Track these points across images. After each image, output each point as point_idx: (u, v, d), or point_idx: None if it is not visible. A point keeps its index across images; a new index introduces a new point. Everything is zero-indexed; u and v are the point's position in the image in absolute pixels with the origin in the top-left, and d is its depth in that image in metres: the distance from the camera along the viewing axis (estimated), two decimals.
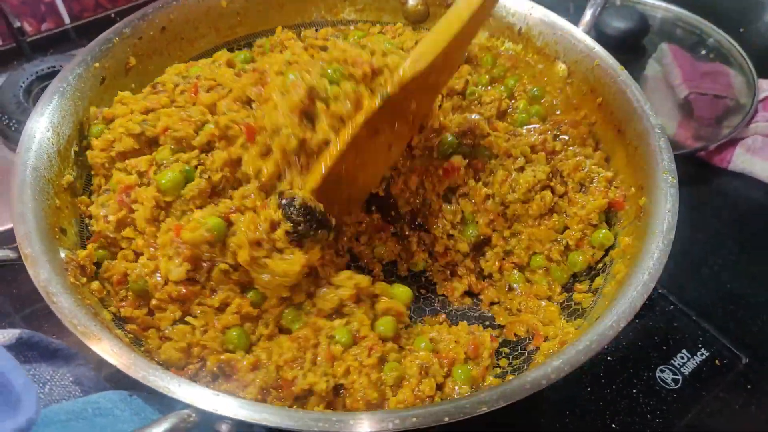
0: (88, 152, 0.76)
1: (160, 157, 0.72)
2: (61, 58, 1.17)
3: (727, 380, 0.85)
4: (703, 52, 1.43)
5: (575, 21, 0.90)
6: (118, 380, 0.61)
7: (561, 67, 0.88)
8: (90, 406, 0.53)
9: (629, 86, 0.79)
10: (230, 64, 0.87)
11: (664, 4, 1.51)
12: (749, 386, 0.85)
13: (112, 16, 1.34)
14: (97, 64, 0.81)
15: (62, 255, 0.66)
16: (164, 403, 0.56)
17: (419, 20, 0.99)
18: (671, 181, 0.69)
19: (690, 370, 0.85)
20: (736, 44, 1.40)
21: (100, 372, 0.66)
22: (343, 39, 0.94)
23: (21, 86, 1.08)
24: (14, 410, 0.37)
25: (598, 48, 0.84)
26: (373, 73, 0.68)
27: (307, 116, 0.66)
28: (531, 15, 0.91)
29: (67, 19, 1.32)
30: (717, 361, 0.86)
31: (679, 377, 0.84)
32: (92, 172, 0.77)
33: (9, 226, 0.93)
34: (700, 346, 0.88)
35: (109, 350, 0.55)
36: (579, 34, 0.86)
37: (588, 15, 0.86)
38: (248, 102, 0.73)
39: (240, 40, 0.97)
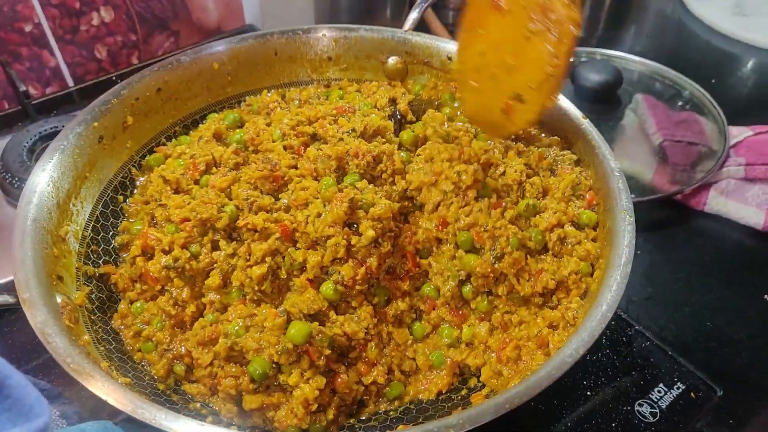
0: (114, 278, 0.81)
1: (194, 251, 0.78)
2: (64, 118, 1.22)
3: (704, 412, 0.87)
4: (679, 102, 1.50)
5: None
6: (110, 416, 0.64)
7: None
8: None
9: (590, 132, 0.85)
10: (217, 136, 0.94)
11: (640, 59, 1.59)
12: (725, 416, 0.87)
13: (114, 78, 1.42)
14: (96, 124, 0.87)
15: (58, 300, 0.70)
16: None
17: (398, 77, 1.06)
18: (629, 219, 0.74)
19: (667, 403, 0.87)
20: (707, 95, 1.47)
21: (82, 409, 0.69)
22: (324, 99, 1.01)
23: (25, 146, 1.14)
24: (29, 419, 0.41)
25: (565, 101, 0.91)
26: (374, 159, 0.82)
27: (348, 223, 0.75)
28: None
29: (70, 82, 1.40)
30: (693, 394, 0.88)
31: (657, 410, 0.86)
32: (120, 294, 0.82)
33: (8, 278, 0.98)
34: (676, 380, 0.90)
35: (101, 386, 0.58)
36: None
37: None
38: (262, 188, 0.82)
39: (231, 99, 1.03)
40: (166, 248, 0.77)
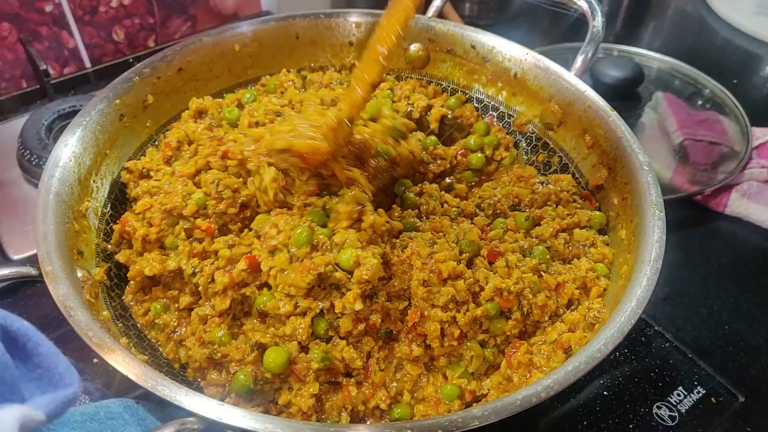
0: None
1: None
2: (81, 98, 1.23)
3: (724, 418, 0.85)
4: (699, 101, 1.48)
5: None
6: (124, 392, 0.63)
7: (555, 107, 0.93)
8: (102, 410, 0.56)
9: (619, 126, 0.83)
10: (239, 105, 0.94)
11: (660, 56, 1.57)
12: (745, 424, 0.85)
13: (130, 60, 1.42)
14: (117, 101, 0.86)
15: (79, 274, 0.69)
16: (167, 413, 0.58)
17: (420, 66, 1.05)
18: (658, 214, 0.72)
19: (687, 407, 0.85)
20: (730, 94, 1.45)
21: (104, 386, 0.68)
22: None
23: (43, 124, 1.14)
24: (59, 388, 0.40)
25: (590, 91, 0.89)
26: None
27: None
28: (525, 60, 0.96)
29: (87, 63, 1.40)
30: (713, 399, 0.86)
31: (676, 414, 0.84)
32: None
33: (27, 253, 0.97)
34: (696, 383, 0.88)
35: (122, 361, 0.58)
36: (570, 77, 0.91)
37: (579, 60, 0.90)
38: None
39: (251, 81, 1.02)
40: (139, 238, 0.76)
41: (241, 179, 0.79)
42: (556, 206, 0.85)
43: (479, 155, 0.95)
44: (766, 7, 1.82)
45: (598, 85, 1.37)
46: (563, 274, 0.74)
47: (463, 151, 0.95)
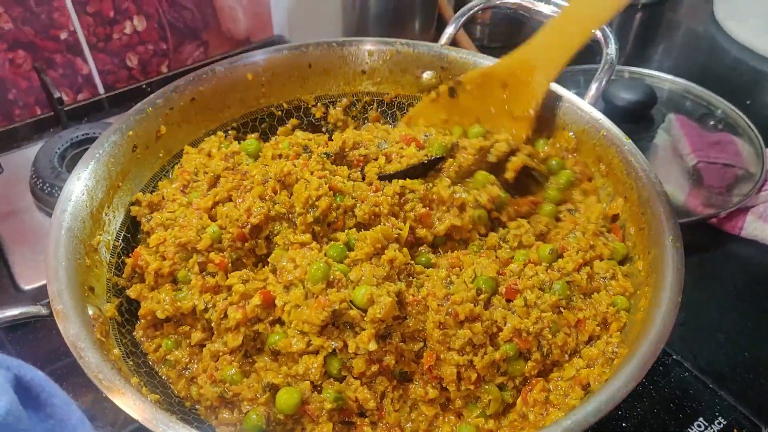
0: None
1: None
2: (95, 125, 1.23)
3: None
4: (711, 122, 1.47)
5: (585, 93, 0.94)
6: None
7: (570, 135, 0.92)
8: None
9: (634, 155, 0.82)
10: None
11: (671, 77, 1.56)
12: None
13: (144, 86, 1.42)
14: (131, 132, 0.86)
15: (90, 311, 0.69)
16: None
17: None
18: (677, 246, 0.71)
19: None
20: (743, 115, 1.44)
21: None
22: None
23: (56, 152, 1.14)
24: None
25: (604, 119, 0.88)
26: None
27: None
28: None
29: (101, 89, 1.41)
30: (735, 431, 0.85)
31: None
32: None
33: (38, 284, 0.97)
34: (717, 414, 0.86)
35: (131, 404, 0.57)
36: (585, 105, 0.90)
37: (593, 88, 0.90)
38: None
39: (263, 110, 1.02)
40: (152, 273, 0.75)
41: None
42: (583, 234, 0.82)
43: (550, 208, 0.89)
44: None
45: (610, 108, 1.37)
46: (584, 309, 0.73)
47: (533, 199, 0.90)
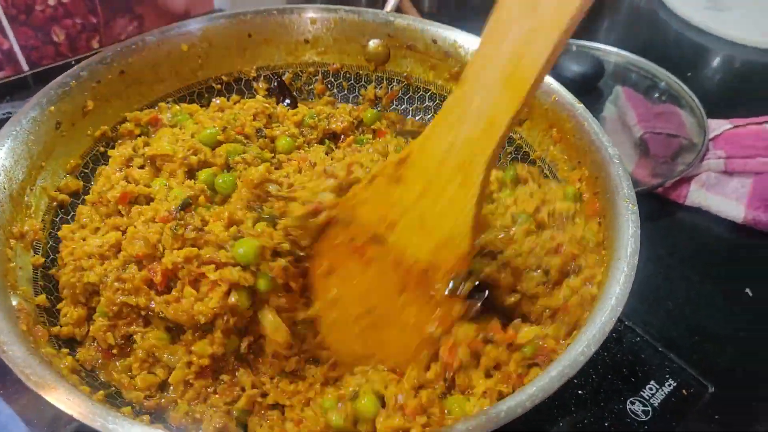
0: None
1: None
2: (18, 104, 1.15)
3: (696, 410, 0.85)
4: (656, 94, 1.49)
5: None
6: None
7: None
8: None
9: (586, 119, 0.81)
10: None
11: (616, 50, 1.57)
12: (716, 416, 0.85)
13: (72, 63, 1.33)
14: (52, 108, 0.80)
15: (14, 302, 0.63)
16: None
17: (380, 61, 1.01)
18: (632, 207, 0.70)
19: (659, 400, 0.84)
20: (685, 87, 1.46)
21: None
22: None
23: None
24: None
25: (555, 83, 0.87)
26: None
27: None
28: None
29: (25, 67, 1.31)
30: (684, 391, 0.86)
31: (649, 408, 0.84)
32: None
33: None
34: (667, 376, 0.87)
35: (65, 400, 0.52)
36: None
37: None
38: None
39: (201, 84, 0.97)
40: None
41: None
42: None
43: None
44: (716, 1, 1.86)
45: (559, 80, 1.36)
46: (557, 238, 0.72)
47: None
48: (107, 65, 0.86)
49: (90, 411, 0.52)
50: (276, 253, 0.65)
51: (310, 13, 0.98)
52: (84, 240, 0.71)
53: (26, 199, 0.74)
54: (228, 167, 0.80)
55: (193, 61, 0.95)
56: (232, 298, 0.62)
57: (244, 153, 0.81)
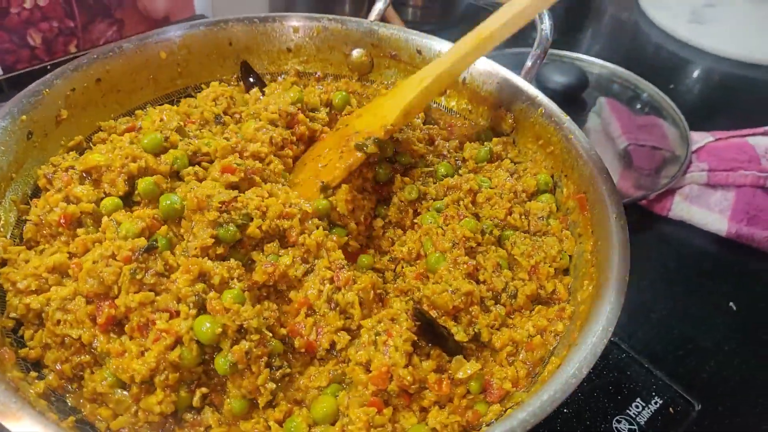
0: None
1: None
2: None
3: (682, 429, 0.84)
4: (638, 105, 1.50)
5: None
6: None
7: (505, 113, 0.90)
8: None
9: (574, 132, 0.80)
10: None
11: (600, 62, 1.58)
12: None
13: (49, 68, 1.30)
14: (24, 117, 0.77)
15: None
16: None
17: (364, 71, 1.00)
18: (621, 223, 0.69)
19: (645, 419, 0.84)
20: (668, 99, 1.47)
21: None
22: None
23: None
24: None
25: (541, 96, 0.86)
26: None
27: None
28: (475, 65, 0.92)
29: None
30: (671, 409, 0.85)
31: (635, 427, 0.83)
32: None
33: None
34: (653, 394, 0.87)
35: (30, 430, 0.50)
36: (521, 82, 0.88)
37: (529, 63, 0.88)
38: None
39: (180, 92, 0.94)
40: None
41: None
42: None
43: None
44: (698, 14, 1.87)
45: (543, 92, 1.36)
46: (534, 256, 0.74)
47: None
48: (83, 72, 0.83)
49: None
50: (242, 330, 0.61)
51: (293, 21, 0.96)
52: (26, 262, 0.67)
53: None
54: (176, 174, 0.76)
55: (172, 69, 0.93)
56: (175, 354, 0.59)
57: (193, 148, 0.77)
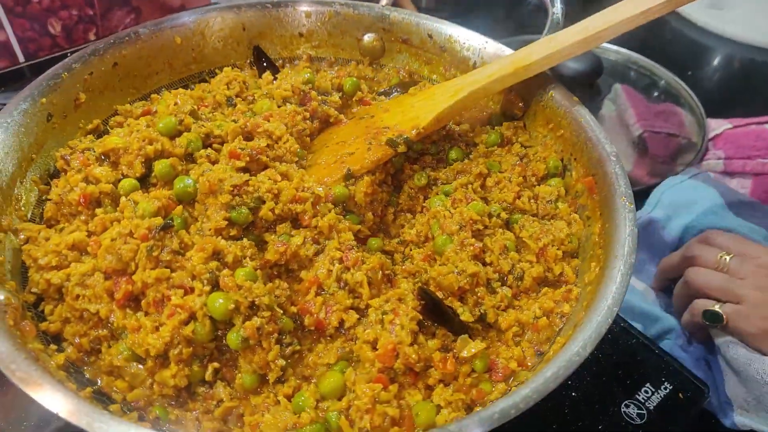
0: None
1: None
2: (12, 96, 1.13)
3: (692, 414, 0.84)
4: (655, 93, 1.48)
5: None
6: None
7: (515, 97, 0.90)
8: None
9: (583, 116, 0.80)
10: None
11: (615, 47, 1.56)
12: (713, 420, 0.84)
13: (69, 55, 1.32)
14: (44, 100, 0.78)
15: (1, 297, 0.62)
16: None
17: (376, 56, 1.00)
18: (628, 206, 0.69)
19: (655, 404, 0.83)
20: (685, 86, 1.45)
21: None
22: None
23: None
24: None
25: (552, 79, 0.86)
26: None
27: None
28: (485, 49, 0.93)
29: (21, 58, 1.30)
30: (680, 395, 0.85)
31: (644, 412, 0.82)
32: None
33: None
34: (663, 379, 0.86)
35: (50, 397, 0.52)
36: None
37: None
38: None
39: (195, 77, 0.96)
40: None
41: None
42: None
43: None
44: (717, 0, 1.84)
45: (557, 78, 1.35)
46: (542, 238, 0.74)
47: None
48: (100, 57, 0.85)
49: (76, 409, 0.51)
50: (254, 306, 0.62)
51: (305, 6, 0.97)
52: (47, 240, 0.69)
53: (16, 191, 0.73)
54: (191, 156, 0.77)
55: (187, 54, 0.94)
56: (189, 329, 0.61)
57: (205, 130, 0.79)
